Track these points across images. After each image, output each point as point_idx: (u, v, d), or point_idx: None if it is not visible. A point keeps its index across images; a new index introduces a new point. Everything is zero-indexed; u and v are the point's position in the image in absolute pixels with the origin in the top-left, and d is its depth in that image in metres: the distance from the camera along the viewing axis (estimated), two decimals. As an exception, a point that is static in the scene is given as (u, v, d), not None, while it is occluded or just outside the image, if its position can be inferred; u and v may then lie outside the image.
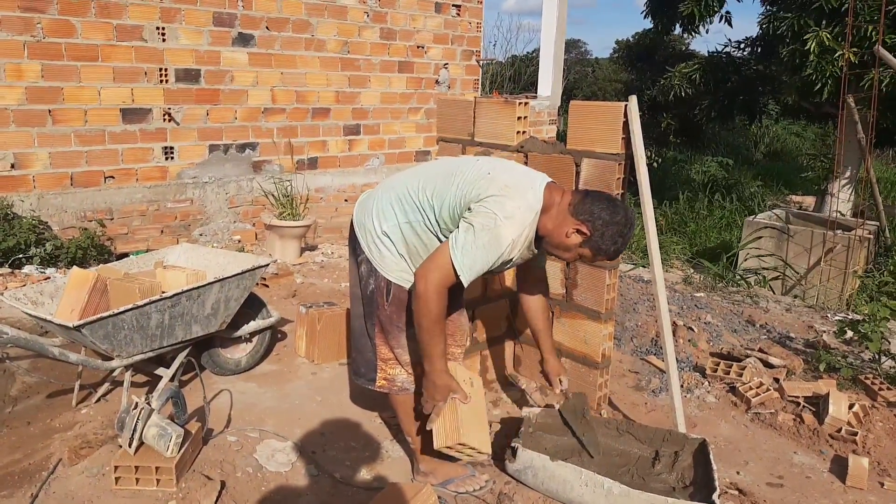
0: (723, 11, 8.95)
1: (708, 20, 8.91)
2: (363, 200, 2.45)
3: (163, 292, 2.84)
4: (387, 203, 2.31)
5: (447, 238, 2.16)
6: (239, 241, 5.83)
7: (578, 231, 2.18)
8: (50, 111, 4.87)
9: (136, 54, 5.17)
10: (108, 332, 2.64)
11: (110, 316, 2.61)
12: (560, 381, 2.70)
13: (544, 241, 2.26)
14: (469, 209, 2.14)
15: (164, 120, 5.39)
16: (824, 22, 7.04)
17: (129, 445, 2.40)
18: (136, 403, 2.44)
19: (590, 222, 2.16)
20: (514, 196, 2.14)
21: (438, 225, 2.24)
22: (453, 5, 7.12)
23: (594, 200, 2.19)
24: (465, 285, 2.14)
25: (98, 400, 3.03)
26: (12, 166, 4.78)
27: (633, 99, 2.75)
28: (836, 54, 6.80)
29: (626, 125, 2.78)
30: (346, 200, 6.65)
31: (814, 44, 6.87)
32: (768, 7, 8.46)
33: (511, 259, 2.21)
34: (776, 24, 7.55)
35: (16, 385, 3.12)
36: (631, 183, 2.93)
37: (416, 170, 2.43)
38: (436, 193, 2.24)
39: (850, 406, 3.10)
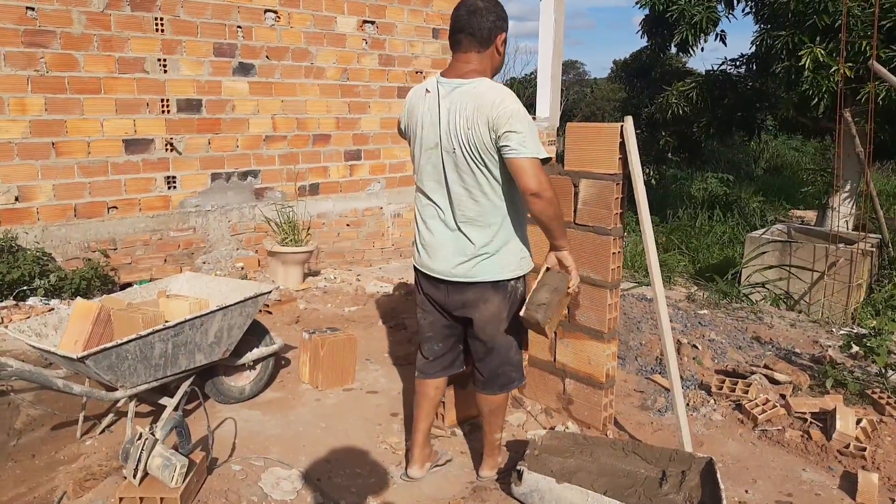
0: (718, 30, 9.05)
1: (703, 40, 9.01)
2: (445, 265, 2.45)
3: (166, 321, 2.85)
4: (478, 232, 2.38)
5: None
6: (242, 269, 5.85)
7: (497, 45, 2.36)
8: (53, 144, 4.92)
9: (138, 86, 5.24)
10: (111, 363, 2.64)
11: (114, 346, 2.62)
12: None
13: (495, 69, 2.42)
14: (495, 132, 2.24)
15: (167, 150, 5.44)
16: (818, 38, 7.11)
17: (134, 476, 2.39)
18: (140, 434, 2.44)
19: (495, 27, 2.32)
20: (495, 88, 2.31)
21: (497, 169, 2.32)
22: (450, 30, 7.20)
23: (468, 20, 2.30)
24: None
25: (102, 431, 3.02)
26: (16, 199, 4.82)
27: (629, 119, 2.78)
28: (832, 70, 6.86)
29: (622, 145, 2.81)
30: (347, 225, 6.68)
31: (808, 60, 6.94)
32: (762, 25, 8.55)
33: None
34: (770, 42, 7.62)
35: (20, 417, 3.12)
36: (630, 201, 2.95)
37: (427, 188, 2.45)
38: (470, 166, 2.32)
39: (858, 421, 3.08)
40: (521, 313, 2.40)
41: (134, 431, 2.50)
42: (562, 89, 9.24)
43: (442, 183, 2.40)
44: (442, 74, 2.40)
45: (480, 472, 2.80)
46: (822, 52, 6.88)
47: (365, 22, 6.52)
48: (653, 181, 12.34)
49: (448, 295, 2.50)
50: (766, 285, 5.89)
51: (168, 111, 5.41)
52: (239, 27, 5.70)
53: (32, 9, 4.69)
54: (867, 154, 6.49)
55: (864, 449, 2.92)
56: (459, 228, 2.40)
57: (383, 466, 2.85)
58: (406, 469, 2.78)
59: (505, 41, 2.39)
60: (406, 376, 3.77)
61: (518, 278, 2.50)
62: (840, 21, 6.48)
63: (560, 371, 3.25)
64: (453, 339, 2.67)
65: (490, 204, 2.37)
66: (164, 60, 5.33)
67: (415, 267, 2.62)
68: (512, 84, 13.43)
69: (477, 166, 2.32)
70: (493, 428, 2.72)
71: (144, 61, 5.24)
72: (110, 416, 3.06)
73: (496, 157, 2.29)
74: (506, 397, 2.70)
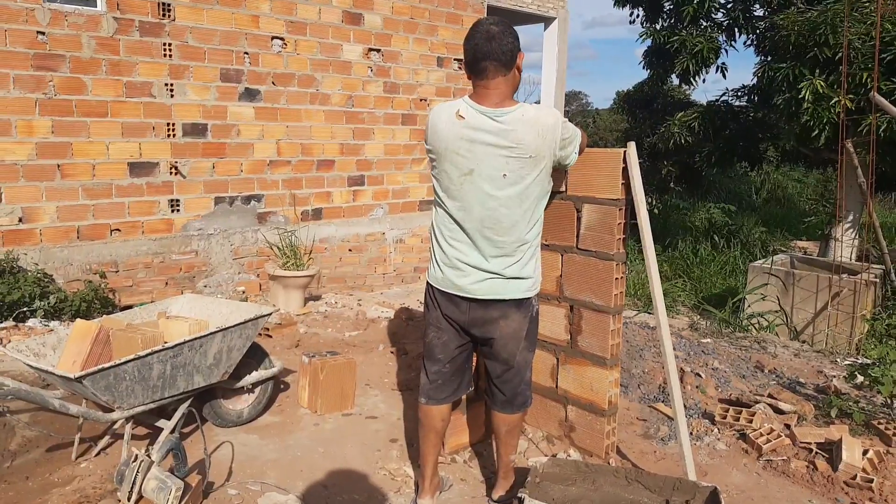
0: (718, 63, 9.14)
1: (704, 71, 9.10)
2: (473, 284, 2.46)
3: (165, 342, 2.83)
4: (510, 254, 2.45)
5: (544, 185, 2.50)
6: (243, 292, 5.84)
7: (518, 65, 2.42)
8: (59, 166, 4.96)
9: (145, 110, 5.29)
10: (109, 383, 2.62)
11: (112, 367, 2.60)
12: None
13: (515, 89, 2.49)
14: (559, 148, 2.45)
15: (171, 173, 5.48)
16: (818, 70, 7.17)
17: (129, 499, 2.35)
18: (136, 456, 2.41)
19: (515, 48, 2.37)
20: (542, 111, 2.45)
21: (542, 186, 2.48)
22: (455, 59, 7.30)
23: (490, 47, 2.33)
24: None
25: (98, 453, 2.98)
26: (20, 220, 4.83)
27: (632, 144, 2.79)
28: (832, 101, 6.91)
29: (625, 171, 2.81)
30: (350, 250, 6.68)
31: (807, 92, 6.99)
32: (763, 57, 8.64)
33: None
34: (771, 74, 7.69)
35: (15, 439, 3.08)
36: (632, 227, 2.95)
37: (457, 211, 2.45)
38: (517, 188, 2.40)
39: (865, 452, 3.03)
40: None
41: (130, 453, 2.46)
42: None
43: (478, 206, 2.40)
44: (475, 101, 2.38)
45: (494, 495, 2.79)
46: (823, 83, 6.93)
47: (371, 50, 6.60)
48: (655, 210, 12.36)
49: (469, 313, 2.49)
50: (765, 316, 5.86)
51: (174, 135, 5.45)
52: (246, 53, 5.77)
53: (43, 33, 4.76)
54: (869, 185, 6.50)
55: (872, 480, 2.87)
56: (492, 249, 2.43)
57: (382, 492, 2.81)
58: (416, 500, 2.74)
59: (522, 59, 2.43)
60: (406, 402, 3.74)
61: (537, 296, 2.58)
62: (841, 54, 6.54)
63: (562, 398, 3.21)
64: (461, 360, 2.65)
65: (525, 224, 2.44)
66: (171, 85, 5.39)
67: (430, 285, 2.57)
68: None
69: (526, 187, 2.39)
70: (509, 449, 2.76)
71: (152, 86, 5.30)
72: (106, 438, 3.03)
73: (549, 170, 2.46)
74: (522, 416, 2.74)
